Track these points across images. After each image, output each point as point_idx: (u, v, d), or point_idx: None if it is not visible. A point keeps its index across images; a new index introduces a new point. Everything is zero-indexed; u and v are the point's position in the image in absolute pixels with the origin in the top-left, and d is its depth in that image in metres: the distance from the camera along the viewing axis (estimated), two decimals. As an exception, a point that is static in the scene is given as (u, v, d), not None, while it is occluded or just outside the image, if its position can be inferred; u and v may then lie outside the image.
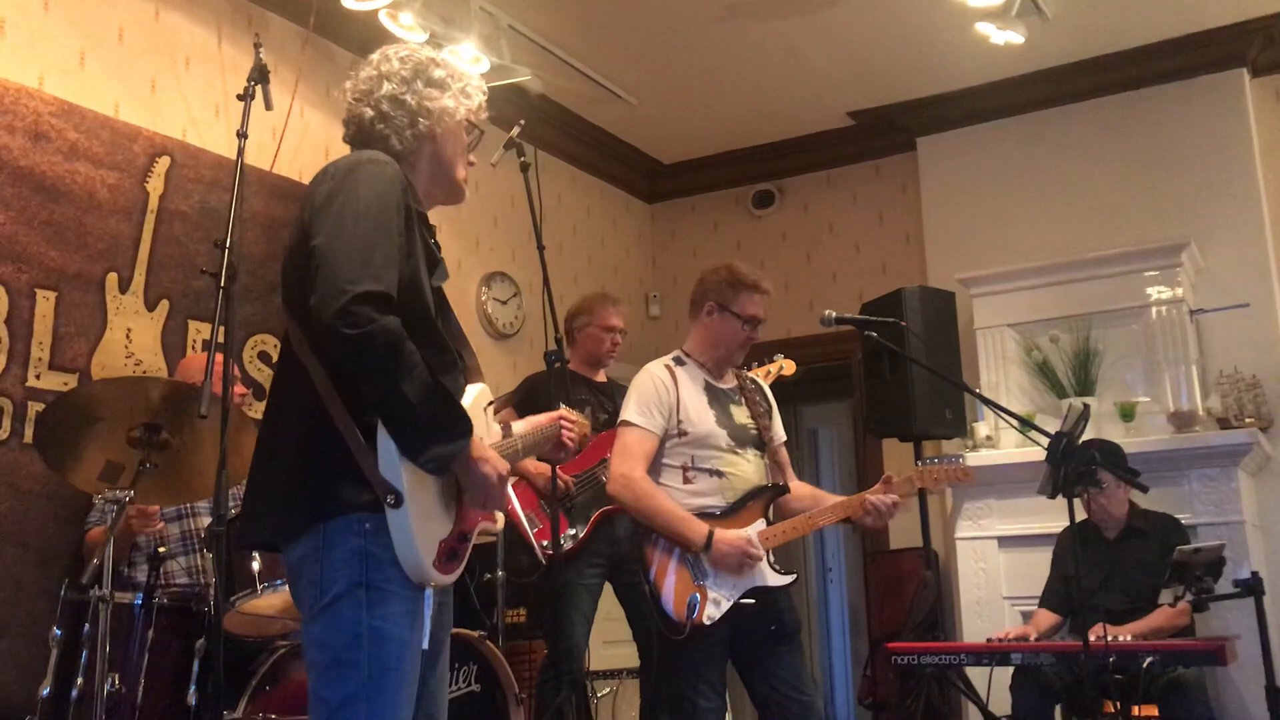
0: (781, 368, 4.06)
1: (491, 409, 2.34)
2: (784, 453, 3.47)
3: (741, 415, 3.35)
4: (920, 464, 3.42)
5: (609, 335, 4.47)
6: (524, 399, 4.34)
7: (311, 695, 1.98)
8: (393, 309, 1.92)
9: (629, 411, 3.26)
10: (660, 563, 3.14)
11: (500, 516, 2.33)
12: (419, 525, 1.96)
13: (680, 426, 3.23)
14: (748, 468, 3.28)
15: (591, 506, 4.13)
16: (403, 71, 2.21)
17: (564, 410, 2.54)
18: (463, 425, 2.01)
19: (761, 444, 3.35)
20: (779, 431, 3.47)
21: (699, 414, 3.26)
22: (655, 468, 3.24)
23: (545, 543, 4.06)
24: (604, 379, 4.54)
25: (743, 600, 3.12)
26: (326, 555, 1.96)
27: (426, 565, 1.99)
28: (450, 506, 2.09)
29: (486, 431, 2.28)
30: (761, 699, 3.19)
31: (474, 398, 2.23)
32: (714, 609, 3.08)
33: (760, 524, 3.21)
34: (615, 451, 3.26)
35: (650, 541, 3.18)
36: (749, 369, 3.96)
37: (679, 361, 3.38)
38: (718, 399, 3.34)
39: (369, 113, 2.19)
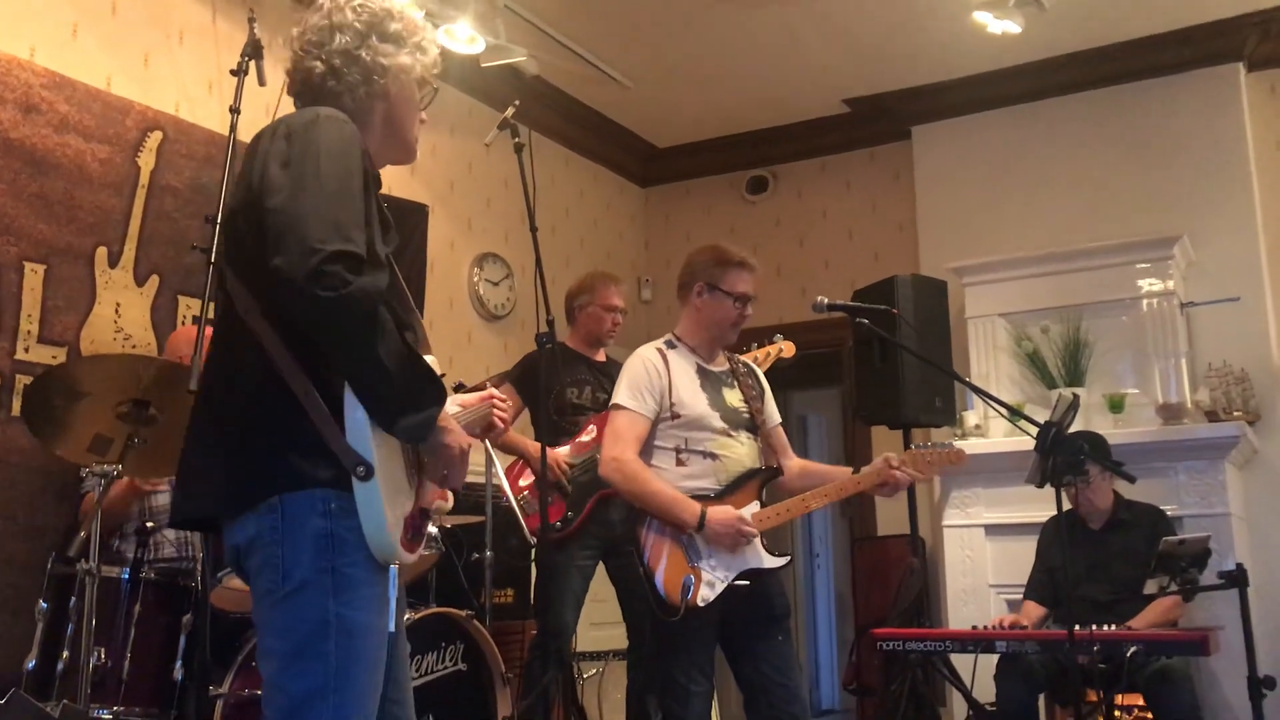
0: (781, 349, 4.06)
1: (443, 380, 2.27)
2: (780, 433, 3.47)
3: (734, 398, 3.35)
4: (913, 448, 3.44)
5: (610, 315, 4.46)
6: (522, 375, 4.34)
7: (269, 685, 1.86)
8: (364, 271, 1.79)
9: (620, 395, 3.27)
10: (654, 545, 3.15)
11: (451, 495, 2.25)
12: (388, 500, 1.86)
13: (673, 409, 3.24)
14: (741, 450, 3.29)
15: (590, 489, 4.13)
16: (357, 24, 2.07)
17: (492, 390, 2.42)
18: (437, 391, 1.92)
19: (754, 427, 3.35)
20: (773, 413, 3.47)
21: (692, 396, 3.27)
22: (648, 450, 3.25)
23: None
24: (604, 358, 4.53)
25: (737, 581, 3.13)
26: (289, 537, 1.83)
27: (395, 542, 1.88)
28: (412, 481, 1.99)
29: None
30: (747, 683, 3.21)
31: None
32: (708, 590, 3.09)
33: (754, 506, 3.22)
34: (606, 435, 3.27)
35: (644, 524, 3.18)
36: (748, 350, 3.96)
37: (670, 345, 3.39)
38: (710, 382, 3.34)
39: (319, 67, 2.05)
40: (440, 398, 1.93)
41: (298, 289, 1.74)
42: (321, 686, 1.81)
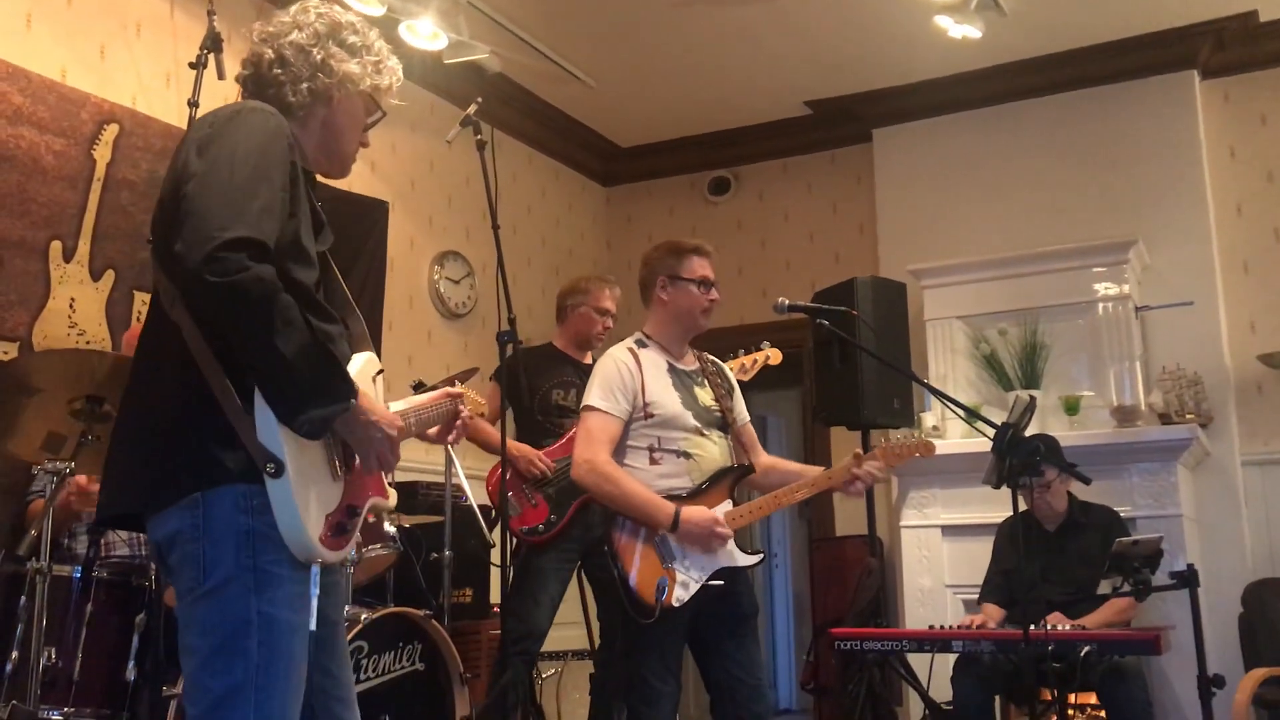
0: (768, 356, 4.05)
1: (381, 378, 2.23)
2: (750, 430, 3.48)
3: (705, 397, 3.35)
4: (884, 440, 3.47)
5: (602, 318, 4.43)
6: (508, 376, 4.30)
7: (190, 682, 1.85)
8: (269, 259, 1.78)
9: (592, 396, 3.24)
10: (627, 546, 3.13)
11: (394, 493, 2.24)
12: (302, 496, 1.85)
13: (647, 409, 3.22)
14: (714, 449, 3.28)
15: (573, 493, 4.12)
16: (317, 25, 2.09)
17: (455, 387, 2.44)
18: (343, 385, 1.89)
19: (725, 425, 3.35)
20: (742, 412, 3.48)
21: (665, 395, 3.26)
22: (621, 450, 3.22)
23: (525, 529, 4.05)
24: (590, 361, 4.49)
25: (711, 581, 3.13)
26: (209, 533, 1.82)
27: (311, 540, 1.87)
28: (337, 478, 1.98)
29: (376, 400, 2.14)
30: (715, 682, 3.20)
31: (360, 366, 2.11)
32: (682, 591, 3.09)
33: (727, 504, 3.22)
34: (579, 437, 3.24)
35: (616, 525, 3.17)
36: (734, 356, 3.97)
37: (640, 344, 3.36)
38: (682, 380, 3.33)
39: (269, 54, 2.06)
40: (347, 392, 1.90)
41: (190, 273, 1.73)
42: (242, 683, 1.81)
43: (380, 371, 2.23)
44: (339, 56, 2.09)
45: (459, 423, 2.39)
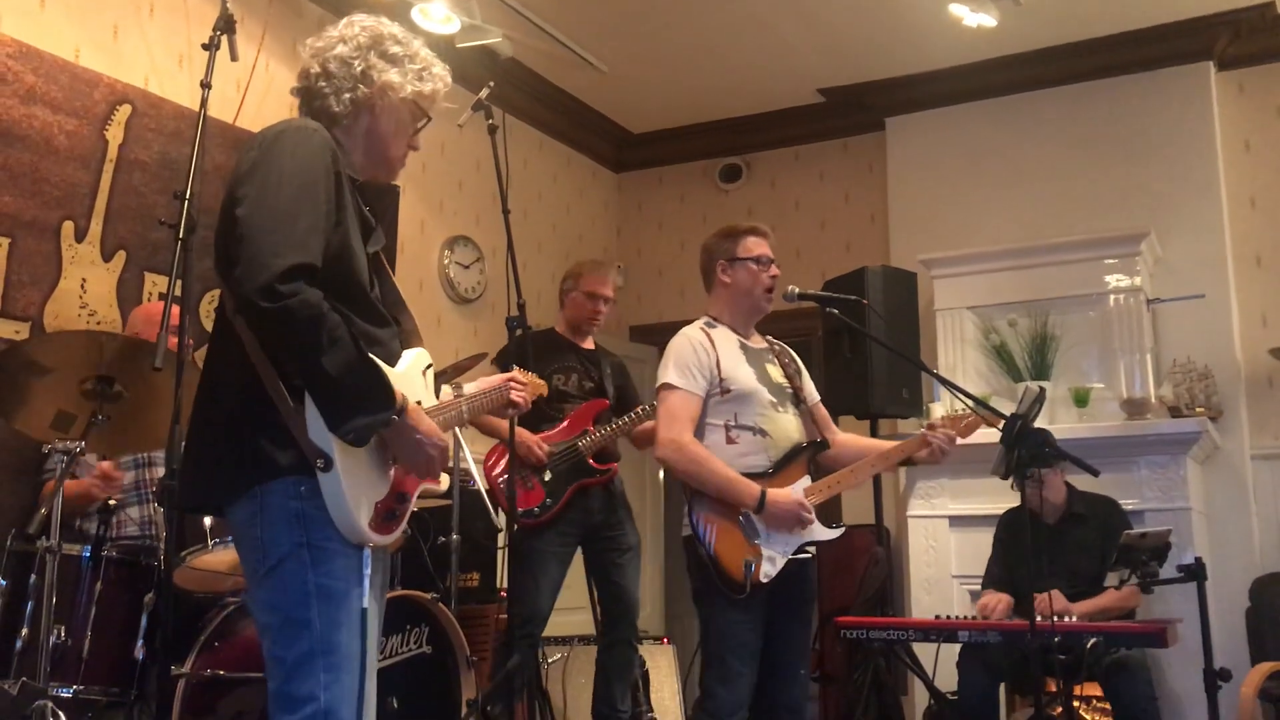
0: None
1: (431, 372, 2.34)
2: (822, 409, 3.49)
3: (777, 374, 3.38)
4: (944, 414, 3.51)
5: (592, 302, 4.42)
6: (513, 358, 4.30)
7: (267, 658, 2.01)
8: (316, 280, 1.94)
9: (669, 374, 3.25)
10: (710, 526, 3.14)
11: (446, 477, 2.35)
12: (351, 487, 2.00)
13: (723, 385, 3.23)
14: (789, 425, 3.30)
15: (570, 477, 4.12)
16: (361, 38, 2.23)
17: (515, 372, 2.61)
18: (384, 398, 2.02)
19: (798, 401, 3.38)
20: (812, 391, 3.50)
21: (740, 371, 3.27)
22: (698, 428, 3.23)
23: (520, 512, 4.04)
24: (592, 346, 4.49)
25: (797, 555, 3.18)
26: (265, 518, 1.99)
27: (361, 526, 2.02)
28: (387, 467, 2.12)
29: (426, 394, 2.29)
30: (769, 664, 3.21)
31: (411, 362, 2.25)
32: (769, 566, 3.12)
33: (805, 480, 3.25)
34: (661, 417, 3.24)
35: (700, 504, 3.17)
36: None
37: (710, 325, 3.39)
38: (754, 358, 3.35)
39: (315, 68, 2.21)
40: (388, 404, 2.03)
41: (245, 298, 1.90)
42: (311, 651, 1.96)
43: (430, 366, 2.35)
44: (379, 67, 2.22)
45: (515, 400, 2.58)
